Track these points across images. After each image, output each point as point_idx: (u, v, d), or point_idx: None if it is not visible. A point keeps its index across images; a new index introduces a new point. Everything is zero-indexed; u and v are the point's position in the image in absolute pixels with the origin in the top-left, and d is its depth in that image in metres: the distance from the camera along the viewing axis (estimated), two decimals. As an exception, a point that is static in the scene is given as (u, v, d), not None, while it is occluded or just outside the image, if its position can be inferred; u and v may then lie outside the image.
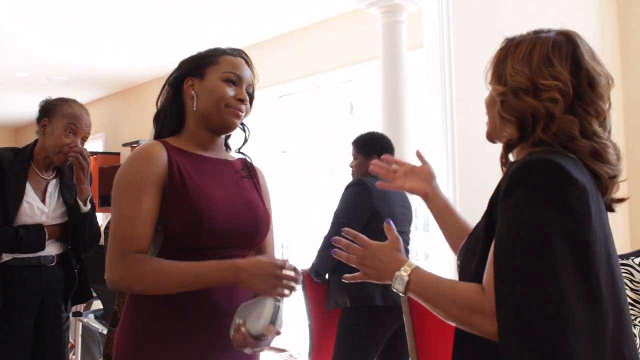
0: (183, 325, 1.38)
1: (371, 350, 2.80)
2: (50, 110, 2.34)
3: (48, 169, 2.37)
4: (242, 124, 1.54)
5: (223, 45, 1.58)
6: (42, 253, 2.31)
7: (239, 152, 1.60)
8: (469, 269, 1.13)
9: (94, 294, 3.19)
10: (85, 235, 2.39)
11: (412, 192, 1.49)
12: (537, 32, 1.17)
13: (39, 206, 2.30)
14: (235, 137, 1.61)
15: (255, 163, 1.64)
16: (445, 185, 3.48)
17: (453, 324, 1.12)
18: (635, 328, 2.88)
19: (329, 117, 5.43)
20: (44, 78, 7.03)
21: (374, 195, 2.77)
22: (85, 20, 5.13)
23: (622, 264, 3.08)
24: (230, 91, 1.46)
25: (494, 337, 1.01)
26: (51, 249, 2.34)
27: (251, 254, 1.50)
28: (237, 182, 1.50)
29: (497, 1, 3.76)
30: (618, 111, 4.42)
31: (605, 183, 1.11)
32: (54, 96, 2.47)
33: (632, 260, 3.68)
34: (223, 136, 1.55)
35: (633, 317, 2.95)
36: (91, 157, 2.41)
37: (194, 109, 1.46)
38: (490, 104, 1.20)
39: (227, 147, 1.61)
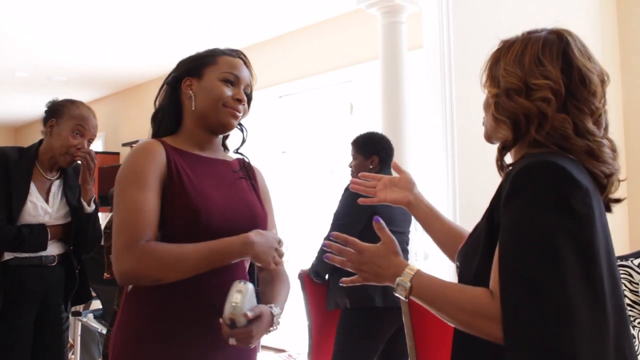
0: (179, 324, 1.38)
1: (371, 350, 2.80)
2: (58, 111, 2.35)
3: (52, 170, 2.38)
4: (240, 124, 1.55)
5: (223, 45, 1.58)
6: (43, 253, 2.31)
7: (237, 152, 1.60)
8: (469, 270, 1.13)
9: (93, 294, 3.20)
10: (88, 235, 2.40)
11: (395, 203, 1.48)
12: (530, 33, 1.18)
13: (43, 206, 2.31)
14: (234, 138, 1.61)
15: (254, 163, 1.64)
16: (445, 186, 3.49)
17: (457, 328, 1.11)
18: (634, 329, 2.89)
19: (328, 117, 5.42)
20: (44, 78, 7.03)
21: (374, 196, 2.76)
22: (85, 20, 5.14)
23: (621, 265, 3.09)
24: (228, 91, 1.46)
25: (501, 341, 1.00)
26: (53, 249, 2.35)
27: None
28: (234, 182, 1.50)
29: (497, 1, 3.76)
30: (618, 111, 4.42)
31: (602, 182, 1.11)
32: (53, 96, 2.47)
33: (632, 261, 3.68)
34: (221, 136, 1.56)
35: (632, 319, 2.95)
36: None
37: (192, 108, 1.47)
38: (486, 105, 1.20)
39: (225, 147, 1.62)
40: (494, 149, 1.26)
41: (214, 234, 1.36)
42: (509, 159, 1.20)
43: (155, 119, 1.54)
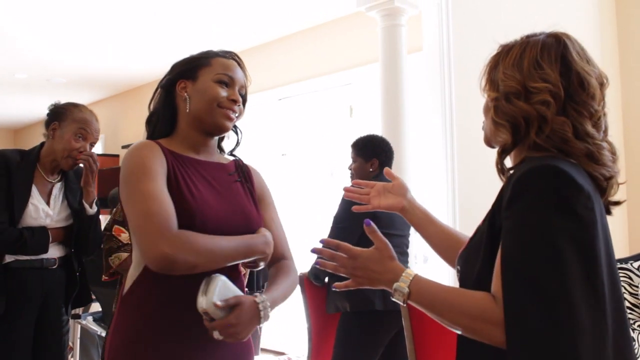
0: (175, 327, 1.37)
1: (371, 354, 2.80)
2: (61, 114, 2.36)
3: (54, 172, 2.39)
4: (235, 126, 1.54)
5: (224, 47, 1.58)
6: (44, 255, 2.32)
7: (231, 154, 1.60)
8: (471, 274, 1.13)
9: (93, 297, 3.20)
10: (90, 238, 2.41)
11: (389, 209, 1.49)
12: (528, 36, 1.18)
13: (44, 209, 2.31)
14: (232, 139, 1.61)
15: (253, 165, 1.63)
16: (444, 188, 3.49)
17: (458, 332, 1.11)
18: (633, 332, 2.89)
19: (328, 120, 5.43)
20: (44, 80, 7.03)
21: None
22: (85, 22, 5.14)
23: (621, 268, 3.09)
24: (223, 92, 1.46)
25: (503, 345, 1.00)
26: (54, 252, 2.35)
27: None
28: (229, 186, 1.49)
29: (497, 4, 3.77)
30: (617, 113, 4.43)
31: (602, 185, 1.11)
32: (53, 98, 2.48)
33: (631, 264, 3.69)
34: (216, 138, 1.55)
35: (632, 321, 2.95)
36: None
37: (187, 110, 1.47)
38: (485, 109, 1.21)
39: (221, 150, 1.61)
40: (493, 151, 1.26)
41: None
42: (508, 162, 1.20)
43: (149, 122, 1.54)
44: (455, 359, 1.19)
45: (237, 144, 1.60)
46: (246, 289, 3.58)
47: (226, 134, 1.55)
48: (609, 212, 1.16)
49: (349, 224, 2.69)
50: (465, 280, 1.16)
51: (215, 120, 1.46)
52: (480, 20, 3.66)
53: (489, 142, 1.24)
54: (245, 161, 1.61)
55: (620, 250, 4.07)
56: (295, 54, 5.55)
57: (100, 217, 2.51)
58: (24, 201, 2.25)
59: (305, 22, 5.28)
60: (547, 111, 1.08)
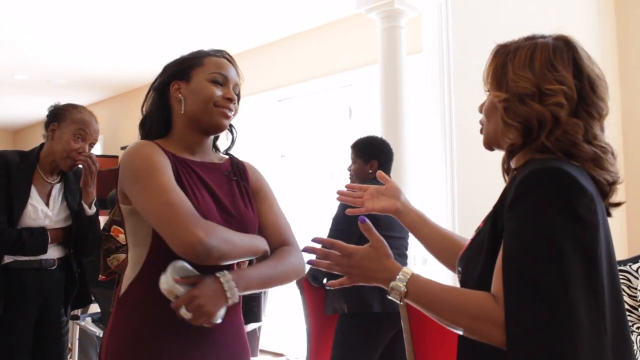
0: (172, 327, 1.36)
1: (369, 355, 2.79)
2: (60, 115, 2.36)
3: (53, 173, 2.39)
4: (230, 124, 1.53)
5: (225, 48, 1.58)
6: (43, 256, 2.32)
7: (226, 153, 1.59)
8: (472, 275, 1.13)
9: (92, 298, 3.19)
10: (89, 238, 2.42)
11: (383, 211, 1.48)
12: (530, 38, 1.18)
13: (43, 209, 2.31)
14: (228, 140, 1.60)
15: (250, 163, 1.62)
16: (444, 189, 3.49)
17: (457, 332, 1.10)
18: (632, 334, 2.88)
19: (327, 121, 5.43)
20: (43, 81, 7.03)
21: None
22: (84, 24, 5.14)
23: (620, 270, 3.09)
24: (218, 91, 1.46)
25: (503, 346, 1.00)
26: (53, 253, 2.35)
27: None
28: (225, 187, 1.49)
29: (496, 6, 3.77)
30: (616, 114, 4.43)
31: (605, 189, 1.11)
32: (53, 99, 2.48)
33: (630, 266, 3.68)
34: (211, 138, 1.54)
35: (630, 324, 2.94)
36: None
37: (182, 111, 1.46)
38: (490, 110, 1.19)
39: (216, 149, 1.60)
40: (492, 153, 1.26)
41: None
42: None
43: (143, 125, 1.53)
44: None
45: (233, 142, 1.60)
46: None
47: (221, 133, 1.55)
48: (609, 214, 1.16)
49: (348, 225, 2.68)
50: (466, 281, 1.16)
51: (212, 119, 1.45)
52: (479, 21, 3.66)
53: (489, 145, 1.23)
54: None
55: (619, 252, 4.05)
56: (295, 55, 5.55)
57: (100, 218, 2.51)
58: (23, 202, 2.26)
59: (305, 24, 5.28)
60: (561, 112, 1.08)
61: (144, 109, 1.54)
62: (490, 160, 1.28)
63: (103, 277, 2.73)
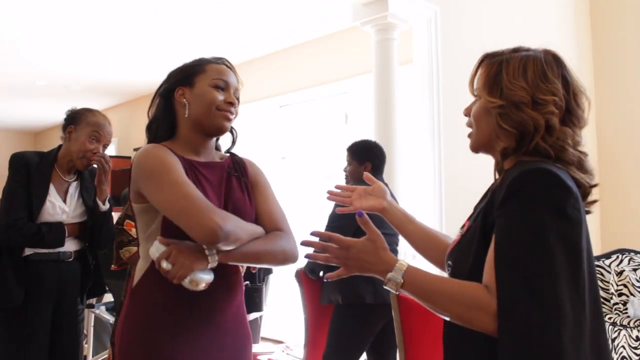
0: (183, 316, 1.37)
1: (361, 343, 2.80)
2: (76, 118, 2.37)
3: (70, 172, 2.39)
4: (231, 127, 1.54)
5: (231, 58, 1.58)
6: (61, 249, 2.32)
7: (228, 152, 1.59)
8: (462, 270, 1.13)
9: (106, 288, 3.19)
10: (103, 232, 2.42)
11: (371, 210, 1.48)
12: (516, 50, 1.18)
13: (61, 206, 2.32)
14: (227, 138, 1.61)
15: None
16: (432, 190, 3.50)
17: (449, 320, 1.10)
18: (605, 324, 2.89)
19: (325, 126, 5.43)
20: (62, 87, 7.03)
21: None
22: (100, 36, 5.15)
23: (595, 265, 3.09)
24: (220, 96, 1.46)
25: (494, 333, 1.01)
26: (70, 246, 2.35)
27: None
28: (226, 183, 1.49)
29: (482, 21, 3.78)
30: (591, 116, 4.47)
31: (586, 191, 1.12)
32: (70, 103, 2.48)
33: (603, 261, 3.69)
34: (214, 139, 1.55)
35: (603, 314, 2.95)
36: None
37: (186, 115, 1.46)
38: (482, 114, 1.17)
39: (218, 149, 1.60)
40: (478, 155, 1.26)
41: None
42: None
43: (150, 128, 1.53)
44: (442, 346, 1.19)
45: (233, 143, 1.60)
46: (247, 282, 3.55)
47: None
48: (588, 212, 1.16)
49: (343, 222, 2.67)
50: (456, 275, 1.15)
51: (215, 122, 1.46)
52: (466, 34, 3.67)
53: (477, 148, 1.22)
54: None
55: (593, 249, 4.08)
56: (295, 64, 5.55)
57: (113, 214, 2.51)
58: (42, 198, 2.26)
59: (305, 36, 5.28)
60: (554, 120, 1.10)
61: (149, 114, 1.54)
62: (476, 162, 1.29)
63: (115, 267, 2.73)
